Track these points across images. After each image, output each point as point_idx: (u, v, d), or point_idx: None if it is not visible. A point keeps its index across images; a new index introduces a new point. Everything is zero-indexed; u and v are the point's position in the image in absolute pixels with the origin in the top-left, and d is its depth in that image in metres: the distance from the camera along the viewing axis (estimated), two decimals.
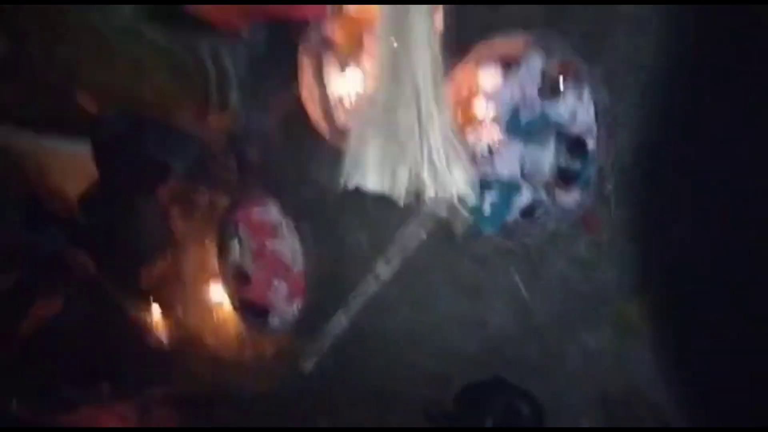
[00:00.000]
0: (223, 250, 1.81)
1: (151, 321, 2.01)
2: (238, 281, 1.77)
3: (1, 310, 1.73)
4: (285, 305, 1.66)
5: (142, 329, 2.01)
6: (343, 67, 1.42)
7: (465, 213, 1.16)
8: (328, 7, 1.39)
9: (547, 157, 0.96)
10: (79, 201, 1.84)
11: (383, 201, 1.32)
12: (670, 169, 0.94)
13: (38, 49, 1.49)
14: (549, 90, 1.03)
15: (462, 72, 1.13)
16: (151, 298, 1.96)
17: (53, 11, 1.38)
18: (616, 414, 1.10)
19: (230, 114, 1.62)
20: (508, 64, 1.10)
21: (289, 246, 1.67)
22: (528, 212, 1.13)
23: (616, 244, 1.01)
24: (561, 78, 1.01)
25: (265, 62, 1.52)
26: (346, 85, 1.43)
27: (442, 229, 1.21)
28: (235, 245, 1.78)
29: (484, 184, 1.12)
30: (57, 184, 1.84)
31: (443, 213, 1.18)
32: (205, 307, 1.89)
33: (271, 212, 1.71)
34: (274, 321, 1.69)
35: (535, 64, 1.06)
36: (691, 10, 0.86)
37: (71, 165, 1.83)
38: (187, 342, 1.94)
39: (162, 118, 1.65)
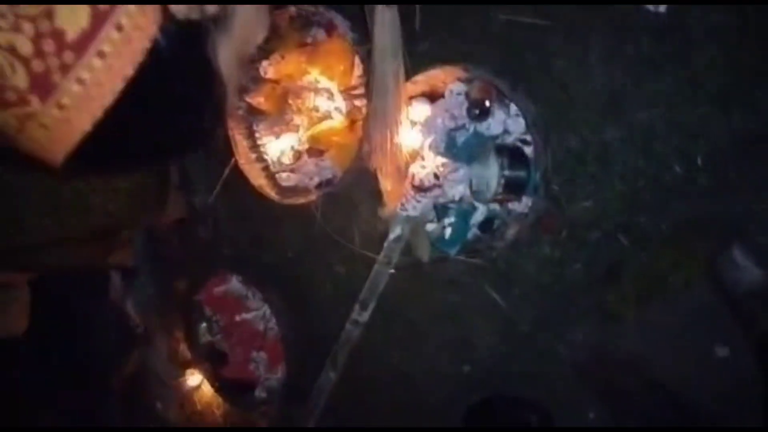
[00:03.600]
0: (191, 335, 1.75)
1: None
2: (214, 362, 1.72)
3: None
4: (268, 373, 1.63)
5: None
6: (276, 132, 1.43)
7: (426, 240, 1.19)
8: None
9: (492, 171, 1.00)
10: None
11: (343, 248, 1.34)
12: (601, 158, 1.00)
13: None
14: (476, 110, 1.08)
15: None
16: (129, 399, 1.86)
17: None
18: (620, 402, 1.13)
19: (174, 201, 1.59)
20: (433, 96, 1.15)
21: (259, 315, 1.64)
22: (486, 226, 1.17)
23: (576, 238, 1.05)
24: (485, 99, 1.06)
25: None
26: (282, 146, 1.44)
27: (409, 262, 1.23)
28: (203, 327, 1.73)
29: (439, 209, 1.16)
30: None
31: (404, 246, 1.20)
32: (185, 396, 1.82)
33: (234, 285, 1.68)
34: (261, 393, 1.64)
35: (458, 90, 1.11)
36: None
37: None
38: None
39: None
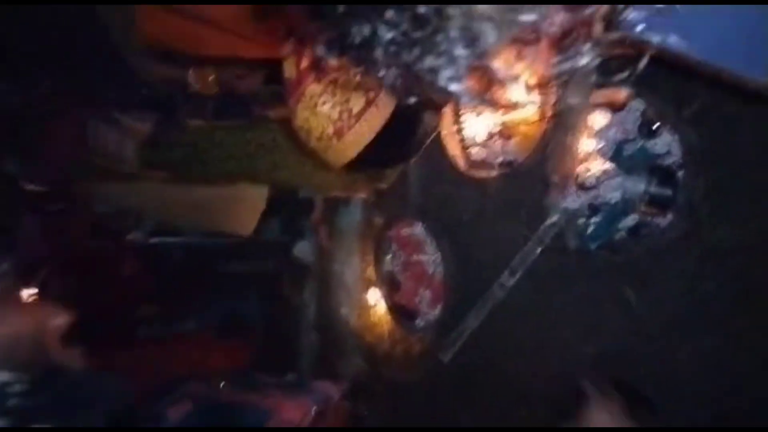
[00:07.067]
0: (378, 261, 2.17)
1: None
2: (390, 288, 2.12)
3: None
4: (429, 309, 1.96)
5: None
6: (479, 111, 1.69)
7: (575, 231, 1.37)
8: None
9: (639, 186, 1.14)
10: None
11: (509, 221, 1.58)
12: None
13: None
14: (647, 129, 1.20)
15: None
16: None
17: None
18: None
19: None
20: (614, 108, 1.29)
21: (431, 259, 1.97)
22: (634, 231, 1.30)
23: (715, 259, 1.14)
24: (657, 120, 1.18)
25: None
26: (480, 125, 1.70)
27: (559, 246, 1.42)
28: (388, 258, 2.13)
29: (592, 208, 1.32)
30: None
31: (558, 231, 1.39)
32: (364, 308, 2.27)
33: (418, 231, 2.03)
34: (420, 323, 1.99)
35: (636, 107, 1.24)
36: None
37: None
38: (350, 338, 2.33)
39: None
